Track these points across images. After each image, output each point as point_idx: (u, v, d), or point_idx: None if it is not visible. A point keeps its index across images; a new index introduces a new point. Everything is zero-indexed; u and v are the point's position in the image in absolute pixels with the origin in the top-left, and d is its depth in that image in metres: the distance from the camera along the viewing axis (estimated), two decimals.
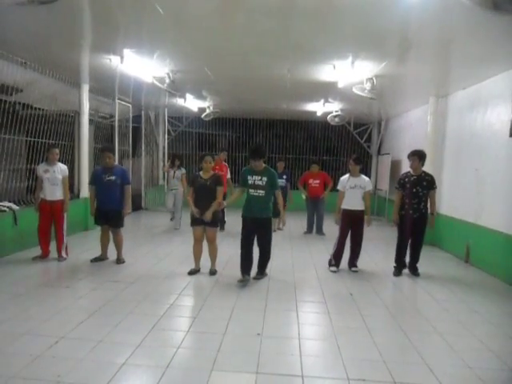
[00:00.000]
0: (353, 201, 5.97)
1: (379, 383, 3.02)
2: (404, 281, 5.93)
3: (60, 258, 6.06)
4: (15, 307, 4.15)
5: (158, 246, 7.15)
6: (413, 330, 4.02)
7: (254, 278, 5.38)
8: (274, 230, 9.08)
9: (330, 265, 6.15)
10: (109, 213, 5.86)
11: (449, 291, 5.39)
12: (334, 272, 6.03)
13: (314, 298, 4.95)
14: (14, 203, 6.49)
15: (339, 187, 6.17)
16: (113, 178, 5.84)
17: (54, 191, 5.93)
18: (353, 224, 6.05)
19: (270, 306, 4.51)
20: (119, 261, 6.01)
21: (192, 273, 5.53)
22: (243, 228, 5.31)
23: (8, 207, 6.24)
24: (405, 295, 5.44)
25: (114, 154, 6.16)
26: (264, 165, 5.25)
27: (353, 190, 5.98)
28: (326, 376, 3.13)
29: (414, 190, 5.85)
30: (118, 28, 5.10)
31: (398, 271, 6.08)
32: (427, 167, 8.14)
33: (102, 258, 6.07)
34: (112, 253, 6.09)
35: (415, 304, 4.88)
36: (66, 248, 6.17)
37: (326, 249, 6.67)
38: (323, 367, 3.28)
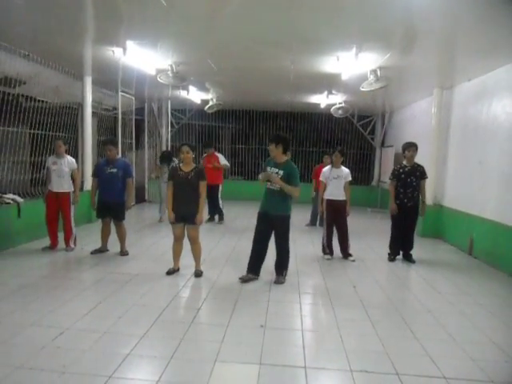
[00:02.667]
0: (336, 191, 6.25)
1: (382, 375, 3.04)
2: (407, 273, 5.94)
3: (68, 248, 6.15)
4: (20, 298, 4.19)
5: (162, 238, 7.17)
6: (415, 322, 4.03)
7: (275, 283, 4.99)
8: None
9: (325, 253, 6.40)
10: (110, 205, 5.89)
11: (452, 283, 5.39)
12: (329, 259, 6.27)
13: (316, 289, 4.97)
14: (18, 195, 6.52)
15: (321, 178, 6.40)
16: (114, 170, 5.88)
17: (60, 183, 6.02)
18: (336, 214, 6.27)
19: (272, 297, 4.52)
20: (123, 253, 6.05)
21: (170, 273, 5.17)
22: (256, 225, 5.07)
23: (12, 199, 6.28)
24: (408, 287, 5.44)
25: (116, 147, 6.15)
26: (286, 157, 4.95)
27: (336, 180, 6.26)
28: (328, 367, 3.15)
29: (409, 179, 6.17)
30: (121, 20, 5.07)
31: (392, 257, 6.42)
32: (432, 159, 8.21)
33: (101, 249, 6.11)
34: (115, 245, 6.13)
35: (418, 296, 4.88)
36: (75, 239, 6.27)
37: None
38: (326, 358, 3.29)
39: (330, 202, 6.26)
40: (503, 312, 4.47)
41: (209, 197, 8.82)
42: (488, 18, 4.37)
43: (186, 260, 5.41)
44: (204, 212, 5.34)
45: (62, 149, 6.08)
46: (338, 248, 6.41)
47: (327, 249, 6.37)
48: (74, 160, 6.25)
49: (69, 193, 6.11)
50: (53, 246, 6.15)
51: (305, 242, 7.54)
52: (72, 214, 6.20)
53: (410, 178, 6.15)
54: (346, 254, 6.34)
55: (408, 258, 6.35)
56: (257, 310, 4.14)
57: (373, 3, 4.18)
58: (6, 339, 3.31)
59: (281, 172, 4.84)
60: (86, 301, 4.22)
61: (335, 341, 3.55)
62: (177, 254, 5.28)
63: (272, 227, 4.99)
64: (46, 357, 3.06)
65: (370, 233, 8.37)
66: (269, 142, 4.95)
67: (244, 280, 4.99)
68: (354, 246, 6.47)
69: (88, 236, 6.94)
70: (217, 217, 9.18)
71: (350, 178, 6.35)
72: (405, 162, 6.28)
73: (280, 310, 4.22)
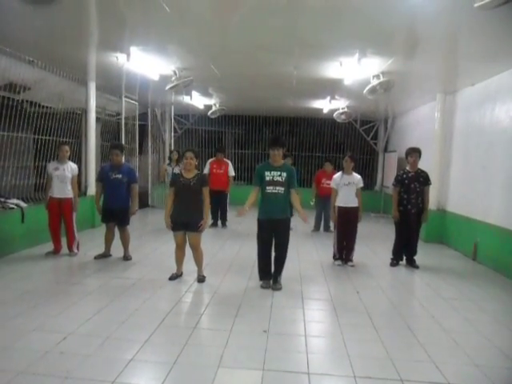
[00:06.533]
0: (347, 198, 6.14)
1: (385, 381, 3.02)
2: (411, 278, 5.92)
3: (71, 253, 6.15)
4: (23, 303, 4.19)
5: (165, 243, 7.17)
6: (419, 328, 4.01)
7: (273, 289, 4.93)
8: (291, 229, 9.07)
9: (335, 259, 6.37)
10: (114, 211, 5.89)
11: (456, 289, 5.36)
12: (340, 265, 6.22)
13: (320, 295, 4.95)
14: (22, 200, 6.54)
15: (333, 185, 6.31)
16: (119, 176, 5.87)
17: (62, 189, 6.01)
18: (348, 220, 6.16)
19: (276, 303, 4.51)
20: (126, 258, 6.06)
21: (173, 278, 5.16)
22: (260, 233, 4.95)
23: (16, 204, 6.30)
24: (411, 293, 5.41)
25: (123, 152, 6.17)
26: (282, 160, 4.97)
27: (347, 187, 6.14)
28: (332, 373, 3.13)
29: (412, 185, 6.12)
30: (125, 26, 5.11)
31: (395, 262, 6.40)
32: (435, 164, 8.19)
33: (105, 254, 6.11)
34: (118, 250, 6.13)
35: (422, 301, 4.86)
36: (78, 244, 6.27)
37: (333, 246, 6.66)
38: (329, 364, 3.28)
39: (342, 209, 6.14)
40: (507, 318, 4.43)
41: (215, 203, 8.85)
42: (491, 23, 4.36)
43: (189, 265, 5.41)
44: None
45: (67, 154, 6.10)
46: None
47: (338, 254, 6.32)
48: (76, 166, 6.25)
49: (71, 198, 6.10)
50: (56, 251, 6.16)
51: (308, 247, 7.52)
52: (74, 219, 6.19)
53: (414, 183, 6.12)
54: (348, 259, 6.30)
55: (411, 264, 6.32)
56: (260, 316, 4.12)
57: (375, 9, 4.20)
58: (9, 344, 3.31)
59: (284, 174, 4.85)
60: (89, 306, 4.22)
61: (339, 347, 3.54)
62: (179, 259, 5.28)
63: (274, 232, 4.95)
64: (49, 362, 3.06)
65: (372, 238, 8.35)
66: (275, 147, 4.82)
67: (265, 287, 4.95)
68: (357, 251, 6.43)
69: (91, 241, 6.95)
70: (220, 222, 9.19)
71: (362, 185, 6.25)
72: (408, 168, 6.25)
73: (283, 315, 4.20)
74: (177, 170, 8.60)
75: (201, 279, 5.18)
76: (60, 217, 6.10)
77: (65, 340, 3.41)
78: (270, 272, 5.05)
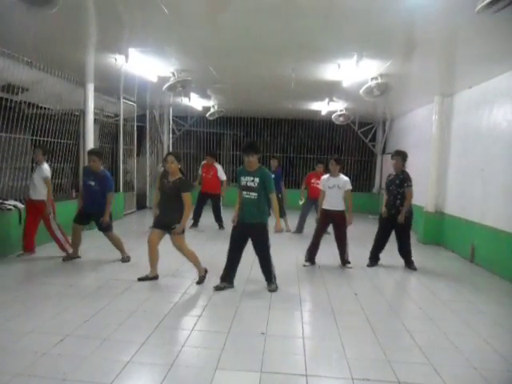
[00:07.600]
0: (332, 201, 6.14)
1: (383, 383, 3.02)
2: (409, 280, 5.93)
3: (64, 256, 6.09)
4: (21, 305, 4.18)
5: (162, 244, 7.15)
6: (417, 330, 4.01)
7: (269, 291, 4.91)
8: (289, 230, 8.94)
9: (305, 260, 6.35)
10: (91, 215, 5.88)
11: (454, 291, 5.37)
12: (305, 266, 6.22)
13: (317, 297, 4.95)
14: (20, 202, 6.53)
15: (321, 186, 6.35)
16: (93, 183, 5.79)
17: (34, 191, 5.97)
18: (333, 224, 6.24)
19: (273, 305, 4.51)
20: (124, 259, 6.05)
21: (142, 279, 5.11)
22: (232, 233, 4.99)
23: (14, 206, 6.28)
24: (409, 295, 5.42)
25: (101, 158, 5.98)
26: (258, 164, 4.85)
27: (331, 189, 6.15)
28: (330, 375, 3.13)
29: (391, 187, 6.27)
30: (123, 27, 5.11)
31: (371, 263, 6.45)
32: (433, 166, 8.22)
33: (71, 256, 6.02)
34: (116, 252, 6.12)
35: (419, 303, 4.86)
36: (69, 245, 6.15)
37: (330, 248, 6.67)
38: (327, 367, 3.27)
39: (325, 212, 6.17)
40: (506, 320, 4.44)
41: (210, 205, 8.89)
42: (488, 26, 4.38)
43: (187, 267, 5.41)
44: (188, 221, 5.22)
45: (39, 157, 5.98)
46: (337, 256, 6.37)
47: (307, 255, 6.31)
48: (46, 167, 6.04)
49: (42, 201, 5.96)
50: (26, 250, 6.06)
51: (305, 248, 7.48)
52: (52, 221, 6.03)
53: (392, 186, 6.24)
54: (343, 261, 6.30)
55: (409, 266, 6.31)
56: (258, 317, 4.12)
57: (374, 11, 4.21)
58: (6, 346, 3.30)
59: (257, 180, 4.78)
60: (86, 307, 4.21)
61: (336, 349, 3.53)
62: (152, 259, 5.18)
63: (248, 237, 4.92)
64: (47, 364, 3.05)
65: (370, 240, 8.31)
66: (249, 153, 4.73)
67: (218, 288, 4.90)
68: (355, 253, 6.45)
69: (87, 243, 6.90)
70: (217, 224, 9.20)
71: (349, 187, 6.13)
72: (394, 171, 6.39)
73: (281, 317, 4.20)
74: None
75: (199, 280, 5.18)
76: (33, 217, 6.03)
77: (62, 342, 3.40)
78: (231, 275, 5.01)
